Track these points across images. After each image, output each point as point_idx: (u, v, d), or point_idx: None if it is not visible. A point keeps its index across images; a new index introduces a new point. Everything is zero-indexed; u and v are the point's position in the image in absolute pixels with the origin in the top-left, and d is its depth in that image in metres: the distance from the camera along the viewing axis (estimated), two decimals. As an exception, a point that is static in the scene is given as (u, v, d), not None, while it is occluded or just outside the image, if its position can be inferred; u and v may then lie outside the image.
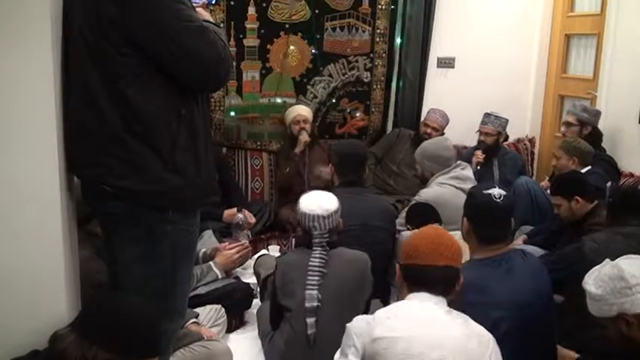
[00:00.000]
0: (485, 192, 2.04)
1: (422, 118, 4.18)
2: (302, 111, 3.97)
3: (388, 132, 4.34)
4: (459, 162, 3.19)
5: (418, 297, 1.66)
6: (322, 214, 2.24)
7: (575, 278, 2.08)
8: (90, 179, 1.65)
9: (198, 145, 1.65)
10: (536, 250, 2.82)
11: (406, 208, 3.13)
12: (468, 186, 3.02)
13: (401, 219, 3.06)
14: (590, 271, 1.75)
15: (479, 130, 3.92)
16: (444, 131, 4.04)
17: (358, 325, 1.67)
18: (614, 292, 1.63)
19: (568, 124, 3.65)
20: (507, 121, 3.91)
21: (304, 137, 3.85)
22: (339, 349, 1.76)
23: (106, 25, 1.50)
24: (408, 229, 2.83)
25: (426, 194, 3.02)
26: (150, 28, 1.51)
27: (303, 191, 2.51)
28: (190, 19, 1.55)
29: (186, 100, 1.63)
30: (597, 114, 3.63)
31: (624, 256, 1.71)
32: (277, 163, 4.06)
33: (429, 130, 3.96)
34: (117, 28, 1.50)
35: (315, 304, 2.18)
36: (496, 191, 2.02)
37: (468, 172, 3.13)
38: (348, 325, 1.71)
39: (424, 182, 3.19)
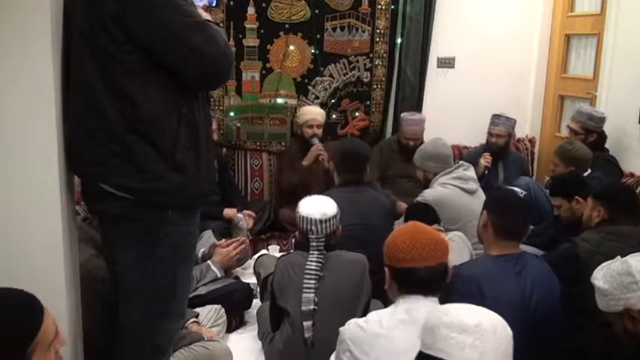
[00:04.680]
0: (510, 188, 2.18)
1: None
2: (317, 115, 3.83)
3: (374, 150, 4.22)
4: (461, 162, 3.20)
5: (409, 302, 1.62)
6: (320, 219, 2.24)
7: (571, 279, 2.10)
8: (91, 178, 1.65)
9: (198, 143, 1.65)
10: (535, 251, 2.82)
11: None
12: (470, 186, 3.03)
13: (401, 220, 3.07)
14: (600, 267, 1.77)
15: (490, 132, 3.92)
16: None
17: (351, 329, 1.66)
18: (620, 287, 1.65)
19: (573, 131, 3.61)
20: (515, 121, 3.94)
21: (317, 149, 3.71)
22: (334, 353, 1.75)
23: (107, 23, 1.51)
24: None
25: (429, 194, 3.03)
26: (151, 25, 1.51)
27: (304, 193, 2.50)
28: (192, 15, 1.56)
29: (187, 98, 1.63)
30: (603, 120, 3.58)
31: (635, 254, 1.72)
32: (280, 166, 3.99)
33: (404, 142, 3.91)
34: (118, 25, 1.50)
35: (312, 307, 2.18)
36: (519, 190, 2.17)
37: (471, 172, 3.13)
38: (341, 329, 1.69)
39: (427, 185, 3.19)
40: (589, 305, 1.77)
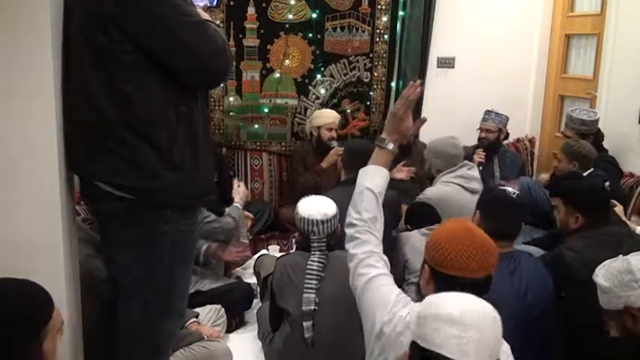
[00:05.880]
0: (501, 188, 2.23)
1: (421, 117, 4.19)
2: (335, 118, 3.89)
3: None
4: (465, 162, 3.21)
5: None
6: (322, 219, 2.24)
7: (560, 287, 2.10)
8: (89, 176, 1.65)
9: (197, 143, 1.65)
10: (536, 251, 2.82)
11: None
12: (473, 186, 3.03)
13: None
14: (601, 265, 1.78)
15: (480, 128, 3.94)
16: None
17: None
18: (621, 285, 1.67)
19: (568, 138, 3.60)
20: (508, 118, 3.94)
21: (337, 152, 3.66)
22: (359, 249, 1.65)
23: (105, 23, 1.51)
24: (408, 230, 2.83)
25: (431, 193, 3.05)
26: (150, 24, 1.52)
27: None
28: (190, 15, 1.56)
29: (186, 97, 1.63)
30: (596, 121, 3.59)
31: (635, 252, 1.73)
32: (292, 167, 3.98)
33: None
34: (116, 24, 1.51)
35: (312, 307, 2.18)
36: (511, 189, 2.20)
37: (475, 172, 3.14)
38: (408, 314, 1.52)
39: (431, 180, 3.22)
40: (578, 311, 1.78)
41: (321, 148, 3.83)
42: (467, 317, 1.16)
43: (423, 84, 4.19)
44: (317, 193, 2.99)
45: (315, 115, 3.95)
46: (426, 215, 2.78)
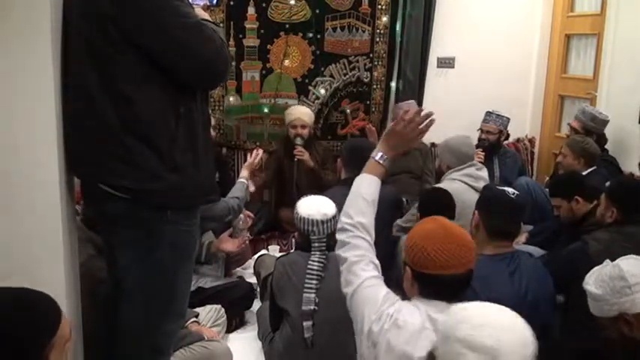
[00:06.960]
0: (500, 188, 2.22)
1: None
2: (302, 115, 3.79)
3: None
4: (474, 162, 3.22)
5: (431, 309, 1.50)
6: (322, 219, 2.24)
7: (578, 278, 2.10)
8: (90, 178, 1.65)
9: (197, 143, 1.65)
10: (536, 250, 2.82)
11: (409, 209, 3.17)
12: (479, 185, 3.03)
13: (402, 219, 3.08)
14: (591, 272, 1.76)
15: (480, 129, 3.94)
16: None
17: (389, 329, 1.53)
18: (614, 292, 1.64)
19: (574, 129, 3.64)
20: (509, 120, 3.93)
21: (297, 151, 3.66)
22: (350, 254, 1.68)
23: (104, 24, 1.51)
24: (418, 219, 2.78)
25: None
26: (148, 26, 1.52)
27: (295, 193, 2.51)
28: (188, 16, 1.56)
29: (185, 99, 1.63)
30: (604, 122, 3.60)
31: (624, 257, 1.71)
32: (266, 164, 3.92)
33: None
34: (115, 26, 1.51)
35: (312, 307, 2.18)
36: (510, 190, 2.18)
37: (483, 173, 3.15)
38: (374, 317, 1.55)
39: (439, 176, 3.24)
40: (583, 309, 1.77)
41: (288, 146, 3.78)
42: (502, 350, 1.11)
43: (423, 84, 4.23)
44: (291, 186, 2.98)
45: (285, 112, 3.90)
46: (440, 204, 2.68)
